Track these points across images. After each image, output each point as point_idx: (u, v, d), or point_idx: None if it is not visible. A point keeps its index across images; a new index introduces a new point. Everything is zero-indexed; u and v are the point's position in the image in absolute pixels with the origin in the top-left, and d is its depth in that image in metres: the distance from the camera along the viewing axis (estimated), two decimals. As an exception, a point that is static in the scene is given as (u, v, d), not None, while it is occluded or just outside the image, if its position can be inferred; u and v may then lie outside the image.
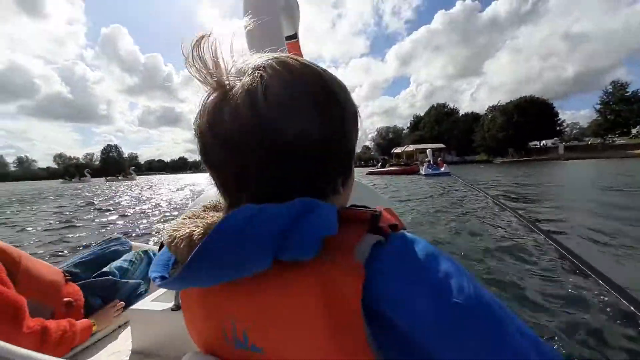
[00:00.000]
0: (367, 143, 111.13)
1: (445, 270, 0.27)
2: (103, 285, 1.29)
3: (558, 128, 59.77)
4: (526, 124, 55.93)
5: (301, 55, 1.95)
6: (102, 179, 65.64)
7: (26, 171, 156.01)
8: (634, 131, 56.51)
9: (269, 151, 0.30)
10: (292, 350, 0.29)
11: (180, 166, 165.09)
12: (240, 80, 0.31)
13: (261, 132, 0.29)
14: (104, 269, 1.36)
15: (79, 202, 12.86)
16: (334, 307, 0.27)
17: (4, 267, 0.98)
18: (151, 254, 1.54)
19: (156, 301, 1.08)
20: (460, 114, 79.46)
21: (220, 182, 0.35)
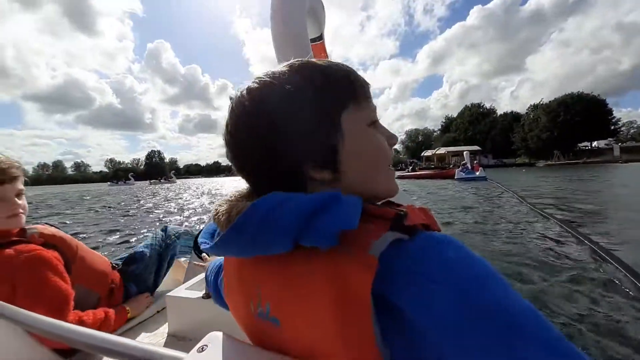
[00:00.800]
0: (397, 146, 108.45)
1: (475, 273, 0.26)
2: (134, 273, 1.41)
3: (613, 127, 53.53)
4: (574, 123, 51.00)
5: (327, 57, 1.96)
6: (147, 182, 71.55)
7: (82, 175, 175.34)
8: None
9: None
10: (303, 330, 0.32)
11: (214, 170, 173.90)
12: (246, 95, 0.37)
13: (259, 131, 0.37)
14: (132, 252, 1.50)
15: (129, 202, 14.14)
16: (343, 298, 0.28)
17: (62, 257, 1.06)
18: (170, 231, 1.66)
19: (190, 289, 1.18)
20: (498, 114, 74.68)
21: (243, 170, 0.40)
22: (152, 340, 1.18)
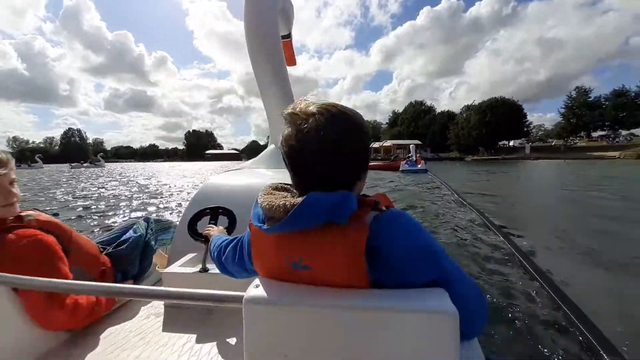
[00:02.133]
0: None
1: (415, 227, 0.53)
2: (120, 255, 1.49)
3: (525, 129, 63.32)
4: (497, 124, 58.73)
5: (293, 53, 2.96)
6: (65, 165, 60.81)
7: None
8: (594, 135, 61.17)
9: (326, 161, 0.54)
10: (326, 270, 0.54)
11: (151, 154, 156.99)
12: (308, 120, 0.54)
13: (323, 151, 0.54)
14: (116, 236, 1.59)
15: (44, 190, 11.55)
16: (350, 248, 0.51)
17: (59, 243, 1.12)
18: (152, 221, 1.78)
19: (184, 266, 1.34)
20: (437, 112, 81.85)
21: (298, 177, 0.59)
22: (151, 311, 1.29)
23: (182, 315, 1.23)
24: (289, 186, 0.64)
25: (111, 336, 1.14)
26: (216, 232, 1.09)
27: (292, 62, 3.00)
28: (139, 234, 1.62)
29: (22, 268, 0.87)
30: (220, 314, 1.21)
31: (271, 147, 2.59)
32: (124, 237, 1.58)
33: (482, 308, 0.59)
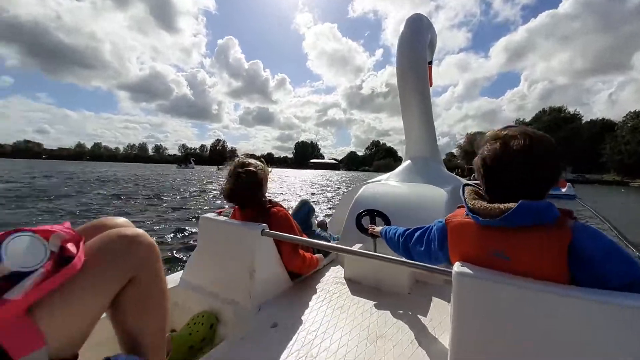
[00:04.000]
0: (454, 150, 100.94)
1: (609, 237, 0.65)
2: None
3: None
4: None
5: (432, 75, 3.05)
6: (212, 167, 79.48)
7: (161, 156, 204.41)
8: None
9: (530, 176, 0.69)
10: (528, 262, 0.68)
11: (268, 161, 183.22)
12: (514, 141, 0.70)
13: (529, 165, 0.68)
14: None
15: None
16: (554, 247, 0.64)
17: None
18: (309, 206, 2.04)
19: (363, 249, 1.52)
20: (584, 121, 64.28)
21: (499, 186, 0.74)
22: (334, 280, 1.53)
23: (357, 287, 1.45)
24: (480, 191, 0.82)
25: (314, 288, 1.45)
26: (379, 229, 1.33)
27: (430, 83, 3.12)
28: (298, 215, 1.92)
29: (281, 228, 1.29)
30: (386, 294, 1.37)
31: (407, 162, 2.73)
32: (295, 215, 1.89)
33: None
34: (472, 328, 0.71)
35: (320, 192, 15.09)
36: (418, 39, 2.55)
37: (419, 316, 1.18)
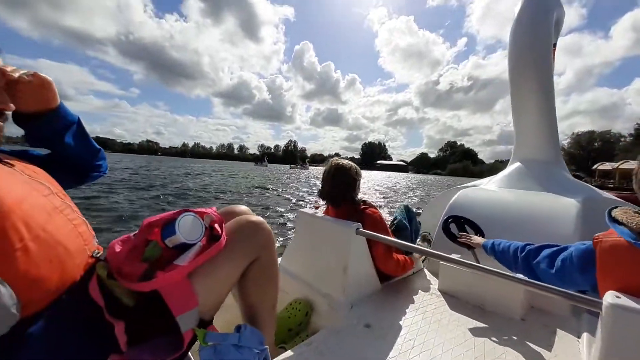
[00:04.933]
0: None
1: None
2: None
3: None
4: None
5: (554, 61, 2.22)
6: (285, 166, 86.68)
7: (243, 155, 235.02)
8: None
9: None
10: None
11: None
12: None
13: None
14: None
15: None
16: None
17: None
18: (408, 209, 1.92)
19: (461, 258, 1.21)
20: None
21: None
22: (426, 292, 1.41)
23: (454, 302, 1.31)
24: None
25: (405, 294, 1.38)
26: (479, 240, 1.27)
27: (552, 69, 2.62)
28: (402, 218, 1.80)
29: (375, 230, 1.27)
30: (492, 315, 1.20)
31: (516, 165, 2.27)
32: (399, 222, 1.76)
33: None
34: None
35: (382, 198, 14.63)
36: (542, 17, 2.03)
37: (538, 348, 1.00)
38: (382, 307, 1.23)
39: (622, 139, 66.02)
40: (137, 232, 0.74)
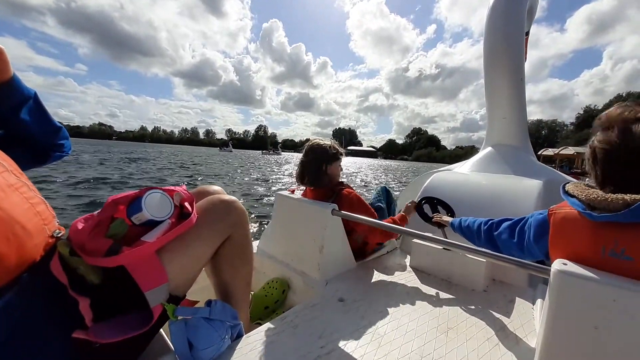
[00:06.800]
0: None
1: None
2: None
3: None
4: None
5: (527, 50, 2.41)
6: (255, 151, 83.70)
7: (210, 140, 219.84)
8: None
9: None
10: None
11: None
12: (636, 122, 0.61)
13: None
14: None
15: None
16: None
17: None
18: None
19: (427, 242, 1.38)
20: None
21: (625, 178, 0.62)
22: (401, 268, 1.48)
23: (424, 277, 1.38)
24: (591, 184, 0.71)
25: (378, 272, 1.42)
26: (448, 219, 1.30)
27: (524, 58, 2.68)
28: (379, 200, 1.84)
29: (352, 209, 1.29)
30: (457, 287, 1.29)
31: (487, 150, 2.41)
32: (373, 202, 1.81)
33: None
34: (571, 335, 0.63)
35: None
36: (515, 5, 2.09)
37: (497, 315, 1.08)
38: (356, 283, 1.28)
39: (565, 127, 74.18)
40: (100, 210, 0.70)
